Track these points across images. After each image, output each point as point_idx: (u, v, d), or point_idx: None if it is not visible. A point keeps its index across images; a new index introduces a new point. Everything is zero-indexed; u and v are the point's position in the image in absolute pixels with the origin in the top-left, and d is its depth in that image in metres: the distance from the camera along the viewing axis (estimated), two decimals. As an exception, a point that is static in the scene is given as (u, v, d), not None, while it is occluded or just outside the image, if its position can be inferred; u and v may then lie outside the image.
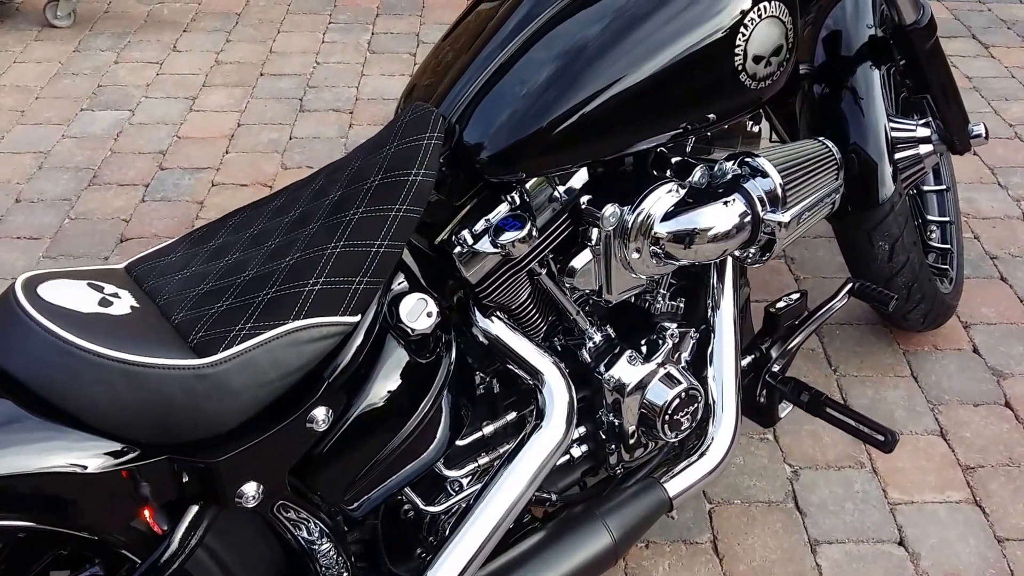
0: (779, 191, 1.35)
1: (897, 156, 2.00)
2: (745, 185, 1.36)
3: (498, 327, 1.34)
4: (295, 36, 3.45)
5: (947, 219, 2.28)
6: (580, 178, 1.34)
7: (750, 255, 1.42)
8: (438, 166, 1.24)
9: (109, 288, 1.11)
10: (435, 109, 1.27)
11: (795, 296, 1.70)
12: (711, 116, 1.36)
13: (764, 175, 1.35)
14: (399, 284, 1.25)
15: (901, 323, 2.09)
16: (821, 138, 1.47)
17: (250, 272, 1.15)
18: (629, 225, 1.32)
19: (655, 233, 1.34)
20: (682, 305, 1.55)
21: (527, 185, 1.30)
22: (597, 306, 1.47)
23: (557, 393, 1.34)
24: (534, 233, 1.26)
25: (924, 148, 2.01)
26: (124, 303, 1.09)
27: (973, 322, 2.23)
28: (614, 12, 1.29)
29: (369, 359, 1.18)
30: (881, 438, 1.55)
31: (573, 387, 1.36)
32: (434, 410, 1.24)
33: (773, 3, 1.34)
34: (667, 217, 1.34)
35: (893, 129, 2.00)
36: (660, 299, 1.52)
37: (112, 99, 3.10)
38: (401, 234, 1.19)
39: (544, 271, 1.36)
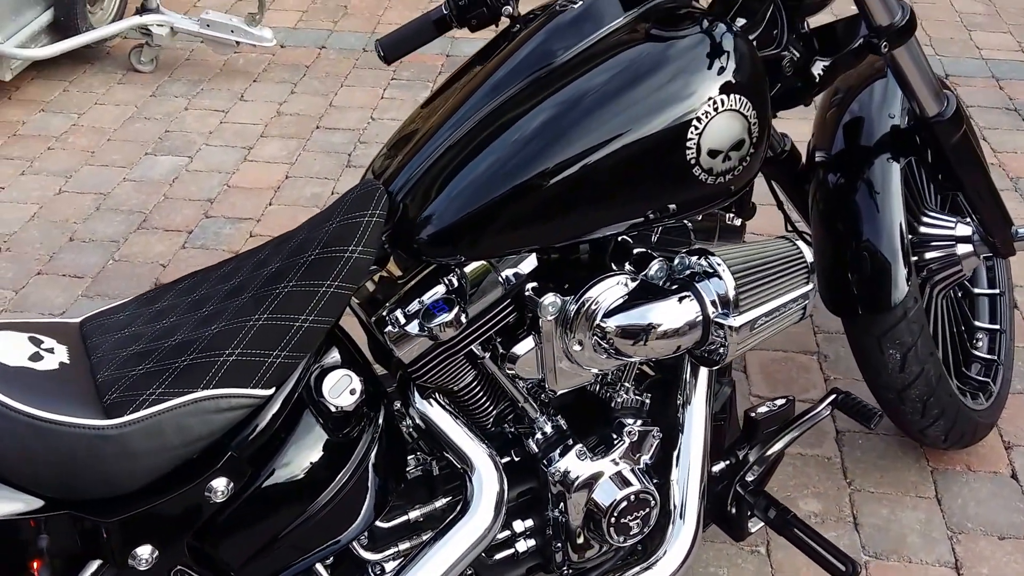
0: (731, 294, 1.27)
1: (930, 255, 1.87)
2: (698, 284, 1.28)
3: (432, 409, 1.32)
4: (356, 90, 3.51)
5: (997, 327, 2.10)
6: (528, 263, 1.30)
7: (706, 356, 1.33)
8: (379, 244, 1.24)
9: (48, 343, 1.17)
10: (381, 186, 1.28)
11: (780, 402, 1.59)
12: (665, 210, 1.30)
13: (718, 276, 1.27)
14: (331, 358, 1.25)
15: (921, 439, 1.92)
16: (795, 238, 1.37)
17: (178, 337, 1.17)
18: (571, 316, 1.27)
19: (599, 326, 1.28)
20: (648, 400, 1.47)
21: (468, 268, 1.27)
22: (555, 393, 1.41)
23: (486, 483, 1.30)
24: (463, 319, 1.24)
25: (963, 248, 1.87)
26: (55, 358, 1.15)
27: (1017, 443, 2.04)
28: (565, 99, 1.26)
29: (282, 432, 1.18)
30: (841, 568, 1.44)
31: (505, 479, 1.32)
32: (349, 489, 1.22)
33: (732, 97, 1.26)
34: (613, 311, 1.28)
35: (929, 225, 1.87)
36: (623, 392, 1.45)
37: (175, 145, 3.21)
38: (330, 310, 1.19)
39: (488, 355, 1.32)
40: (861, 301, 1.70)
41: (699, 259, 1.29)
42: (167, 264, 2.64)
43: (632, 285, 1.30)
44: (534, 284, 1.29)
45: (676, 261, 1.32)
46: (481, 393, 1.36)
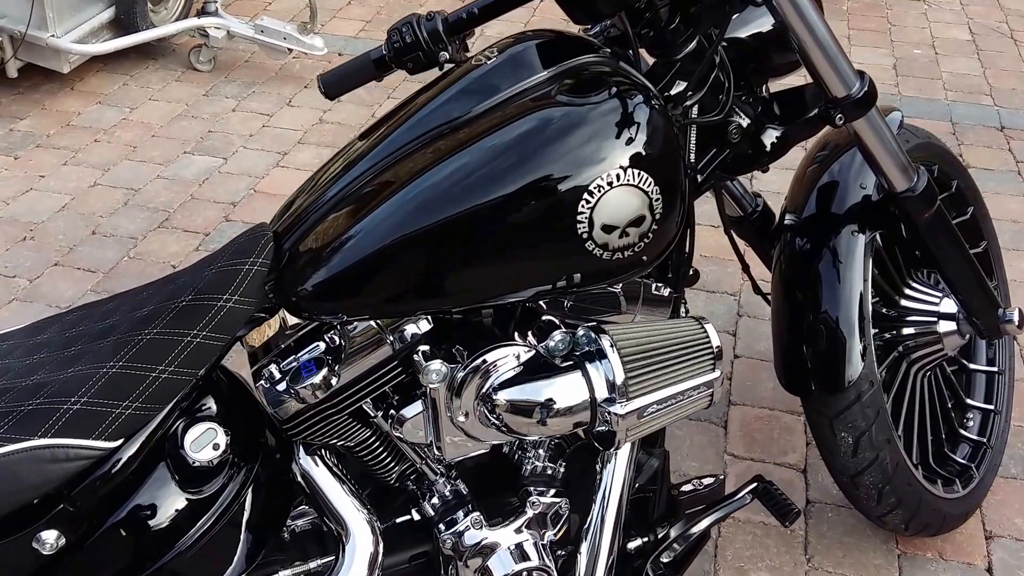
0: (619, 378, 1.21)
1: (908, 331, 1.76)
2: (589, 364, 1.23)
3: (314, 466, 1.30)
4: (398, 103, 3.54)
5: (992, 408, 1.96)
6: (420, 326, 1.26)
7: (599, 437, 1.27)
8: (260, 294, 1.20)
9: None
10: (269, 232, 1.24)
11: (708, 480, 1.52)
12: (567, 280, 1.24)
13: (606, 357, 1.21)
14: (205, 409, 1.22)
15: (881, 525, 1.80)
16: (705, 321, 1.30)
17: (38, 376, 1.14)
18: (457, 385, 1.23)
19: (485, 398, 1.23)
20: (562, 469, 1.42)
21: (353, 327, 1.24)
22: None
23: (359, 550, 1.27)
24: (332, 382, 1.21)
25: (945, 325, 1.75)
26: None
27: (999, 533, 1.90)
28: (455, 160, 1.20)
29: (130, 484, 1.15)
30: None
31: (382, 545, 1.28)
32: (203, 545, 1.18)
33: (631, 172, 1.19)
34: (499, 383, 1.23)
35: (911, 298, 1.76)
36: (534, 459, 1.40)
37: (214, 146, 3.30)
38: (193, 362, 1.15)
39: (380, 414, 1.30)
40: (815, 378, 1.61)
41: (592, 336, 1.24)
42: (177, 264, 2.71)
43: (525, 357, 1.25)
44: (426, 347, 1.25)
45: (575, 335, 1.26)
46: (381, 450, 1.33)
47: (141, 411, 1.12)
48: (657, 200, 1.22)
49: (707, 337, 1.27)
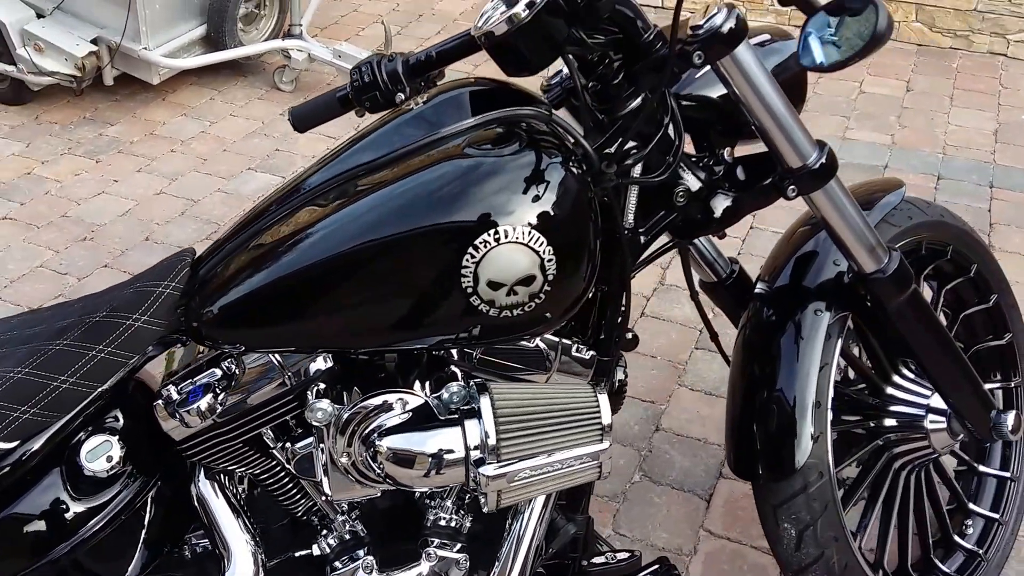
0: (491, 440, 1.16)
1: (890, 422, 1.63)
2: (467, 421, 1.19)
3: (208, 490, 1.31)
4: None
5: (997, 516, 1.79)
6: (319, 362, 1.26)
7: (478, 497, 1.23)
8: (171, 317, 1.24)
9: None
10: (188, 258, 1.28)
11: (623, 555, 1.46)
12: (449, 336, 1.21)
13: (481, 417, 1.17)
14: (108, 422, 1.26)
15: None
16: (601, 390, 1.23)
17: None
18: (342, 426, 1.22)
19: (365, 443, 1.22)
20: (468, 523, 1.38)
21: (252, 358, 1.25)
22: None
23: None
24: (216, 409, 1.23)
25: (934, 421, 1.61)
26: None
27: (987, 659, 1.71)
28: (357, 205, 1.20)
29: (20, 486, 1.20)
30: None
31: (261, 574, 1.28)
32: (86, 551, 1.23)
33: (520, 230, 1.15)
34: (378, 430, 1.21)
35: (899, 387, 1.63)
36: (440, 509, 1.37)
37: (276, 164, 3.42)
38: (95, 376, 1.20)
39: (279, 445, 1.30)
40: (762, 461, 1.50)
41: (473, 393, 1.20)
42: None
43: (412, 406, 1.22)
44: (321, 385, 1.25)
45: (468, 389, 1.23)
46: (287, 481, 1.33)
47: (39, 417, 1.17)
48: (550, 260, 1.17)
49: (597, 407, 1.21)
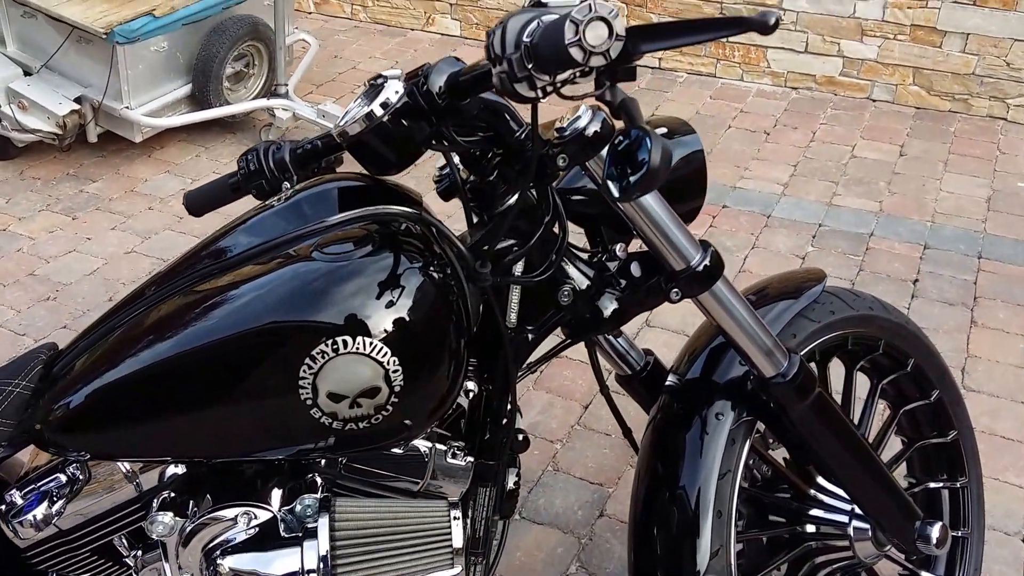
0: (325, 561, 1.10)
1: (811, 527, 1.54)
2: (306, 541, 1.12)
3: None
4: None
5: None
6: (169, 471, 1.21)
7: None
8: (21, 417, 1.19)
9: None
10: (43, 355, 1.24)
11: None
12: (297, 448, 1.15)
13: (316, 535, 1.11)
14: None
15: None
16: (458, 513, 1.16)
17: None
18: (184, 539, 1.16)
19: (208, 559, 1.16)
20: None
21: (99, 465, 1.20)
22: None
23: None
24: (51, 519, 1.17)
25: (858, 528, 1.52)
26: None
27: None
28: (198, 308, 1.15)
29: None
30: None
31: None
32: None
33: (361, 340, 1.09)
34: (218, 546, 1.15)
35: (824, 491, 1.55)
36: None
37: (251, 223, 3.41)
38: None
39: (135, 553, 1.25)
40: (661, 567, 1.42)
41: (315, 509, 1.14)
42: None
43: (258, 521, 1.16)
44: (170, 494, 1.19)
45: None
46: None
47: None
48: (396, 372, 1.11)
49: (448, 529, 1.14)
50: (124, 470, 1.19)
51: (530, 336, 1.33)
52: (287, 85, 3.79)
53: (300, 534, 1.14)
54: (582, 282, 1.31)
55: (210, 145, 3.97)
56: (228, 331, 1.11)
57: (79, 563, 1.23)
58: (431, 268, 1.16)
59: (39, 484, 1.20)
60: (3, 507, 1.21)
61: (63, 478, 1.20)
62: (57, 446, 1.19)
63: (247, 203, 1.36)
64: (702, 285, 1.26)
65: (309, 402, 1.10)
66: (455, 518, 1.15)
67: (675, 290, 1.26)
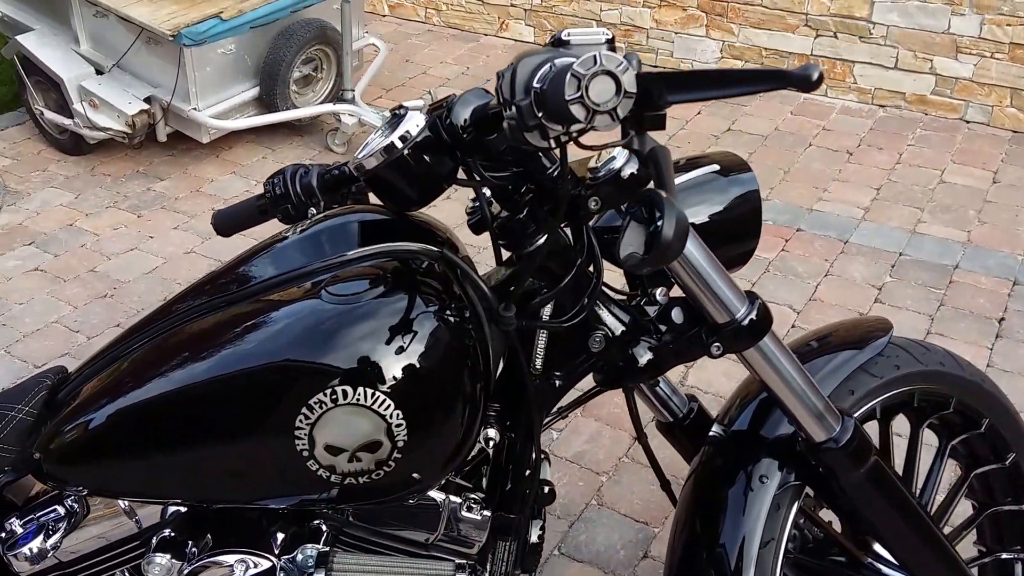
0: None
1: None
2: None
3: None
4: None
5: None
6: (171, 509, 1.15)
7: None
8: (23, 443, 1.15)
9: None
10: (48, 380, 1.20)
11: None
12: (296, 498, 1.08)
13: None
14: None
15: None
16: (467, 569, 1.07)
17: None
18: None
19: None
20: None
21: (97, 499, 1.15)
22: None
23: None
24: (47, 554, 1.13)
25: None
26: None
27: None
28: (201, 345, 1.09)
29: None
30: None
31: None
32: None
33: (362, 390, 1.01)
34: None
35: (882, 560, 1.41)
36: None
37: (310, 228, 3.38)
38: None
39: None
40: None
41: (312, 563, 1.06)
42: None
43: (255, 570, 1.10)
44: (170, 533, 1.14)
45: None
46: None
47: None
48: (399, 426, 1.03)
49: None
50: (123, 506, 1.14)
51: (557, 383, 1.23)
52: (354, 90, 3.77)
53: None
54: (616, 328, 1.21)
55: (277, 147, 3.97)
56: (224, 370, 1.05)
57: None
58: (447, 312, 1.07)
59: (38, 515, 1.16)
60: (3, 534, 1.17)
61: (61, 510, 1.16)
62: (54, 479, 1.14)
63: (275, 225, 1.30)
64: (747, 341, 1.14)
65: (306, 453, 1.03)
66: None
67: (716, 344, 1.15)
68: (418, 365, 1.03)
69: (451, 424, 1.07)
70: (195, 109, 3.54)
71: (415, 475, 1.07)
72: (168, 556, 1.11)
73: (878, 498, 1.25)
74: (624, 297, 1.26)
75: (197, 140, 3.76)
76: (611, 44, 0.96)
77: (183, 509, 1.15)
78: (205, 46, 3.38)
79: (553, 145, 0.94)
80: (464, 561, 1.12)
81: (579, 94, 0.86)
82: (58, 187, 3.68)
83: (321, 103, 3.91)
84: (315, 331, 1.03)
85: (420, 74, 4.67)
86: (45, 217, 3.51)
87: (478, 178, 1.09)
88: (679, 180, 1.28)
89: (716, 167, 1.29)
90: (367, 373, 1.01)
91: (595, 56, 0.86)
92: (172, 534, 1.14)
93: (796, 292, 2.98)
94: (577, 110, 0.87)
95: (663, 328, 1.21)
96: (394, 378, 1.02)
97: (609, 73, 0.86)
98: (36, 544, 1.13)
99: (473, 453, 1.31)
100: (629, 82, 0.88)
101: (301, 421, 1.01)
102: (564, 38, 0.95)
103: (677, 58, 4.56)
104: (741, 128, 4.04)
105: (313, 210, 1.27)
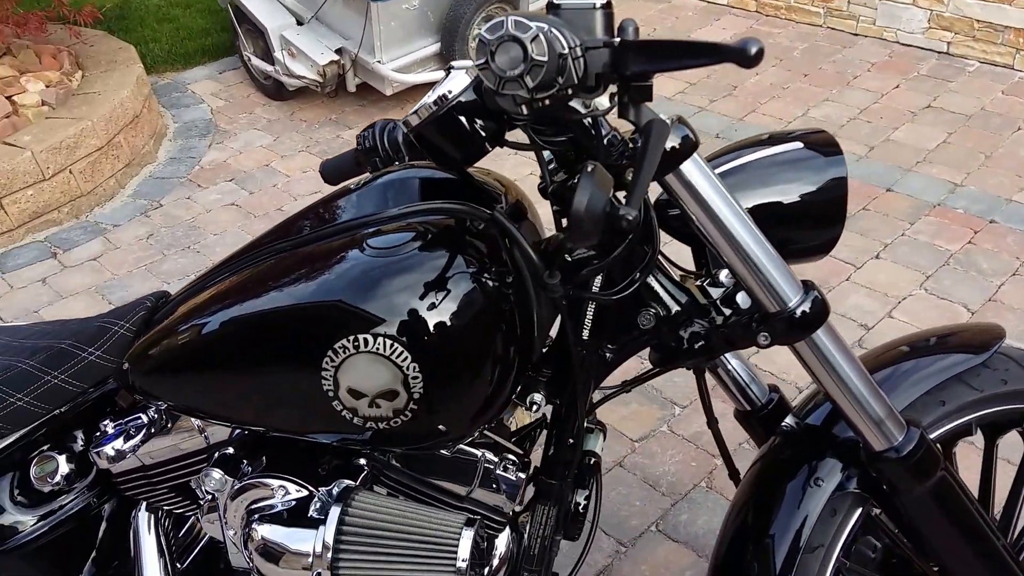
0: (329, 550, 1.08)
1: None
2: (322, 527, 1.12)
3: (140, 522, 1.36)
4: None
5: None
6: (237, 430, 1.26)
7: None
8: (122, 355, 1.29)
9: None
10: (150, 302, 1.33)
11: None
12: (329, 436, 1.15)
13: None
14: (68, 443, 1.35)
15: None
16: (472, 522, 1.10)
17: None
18: (229, 498, 1.21)
19: (241, 522, 1.20)
20: None
21: (178, 414, 1.28)
22: None
23: None
24: (125, 453, 1.27)
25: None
26: None
27: None
28: (256, 283, 1.17)
29: None
30: None
31: None
32: (17, 557, 1.33)
33: (381, 340, 1.05)
34: (254, 513, 1.18)
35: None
36: None
37: (474, 183, 3.47)
38: (48, 399, 1.29)
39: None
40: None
41: (332, 496, 1.13)
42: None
43: (293, 495, 1.18)
44: (231, 451, 1.25)
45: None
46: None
47: None
48: (416, 379, 1.06)
49: (455, 544, 1.08)
50: (195, 423, 1.26)
51: (608, 355, 1.22)
52: (533, 48, 3.79)
53: (323, 517, 1.14)
54: (670, 306, 1.18)
55: (458, 102, 4.08)
56: (272, 305, 1.13)
57: (161, 496, 1.32)
58: (486, 274, 1.09)
59: (125, 421, 1.30)
60: (97, 434, 1.32)
61: (144, 419, 1.29)
62: (138, 390, 1.27)
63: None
64: (797, 333, 1.08)
65: (331, 394, 1.09)
66: (467, 533, 1.09)
67: (764, 333, 1.09)
68: (444, 323, 1.06)
69: (479, 383, 1.09)
70: (379, 62, 3.71)
71: (440, 427, 1.11)
72: (221, 472, 1.21)
73: (941, 518, 1.16)
74: (688, 277, 1.22)
75: (381, 92, 3.94)
76: (607, 10, 0.93)
77: (239, 434, 1.25)
78: (391, 1, 3.52)
79: (525, 111, 0.93)
80: (478, 516, 1.14)
81: (484, 60, 0.84)
82: (260, 129, 3.98)
83: (502, 61, 3.97)
84: (347, 279, 1.08)
85: (609, 35, 4.62)
86: (246, 156, 3.82)
87: (530, 142, 1.09)
88: (759, 155, 1.22)
89: (800, 144, 1.22)
90: (388, 325, 1.05)
91: (503, 21, 0.84)
92: (231, 452, 1.24)
93: (975, 290, 2.74)
94: (487, 76, 0.85)
95: (727, 312, 1.17)
96: (415, 333, 1.06)
97: (515, 40, 0.84)
98: (117, 444, 1.26)
99: (531, 420, 1.33)
100: (539, 50, 0.85)
101: (327, 363, 1.08)
102: (556, 2, 0.93)
103: (880, 26, 4.24)
104: (942, 105, 3.72)
105: (397, 164, 1.31)
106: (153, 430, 1.27)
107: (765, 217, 1.17)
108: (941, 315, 2.65)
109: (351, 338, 1.06)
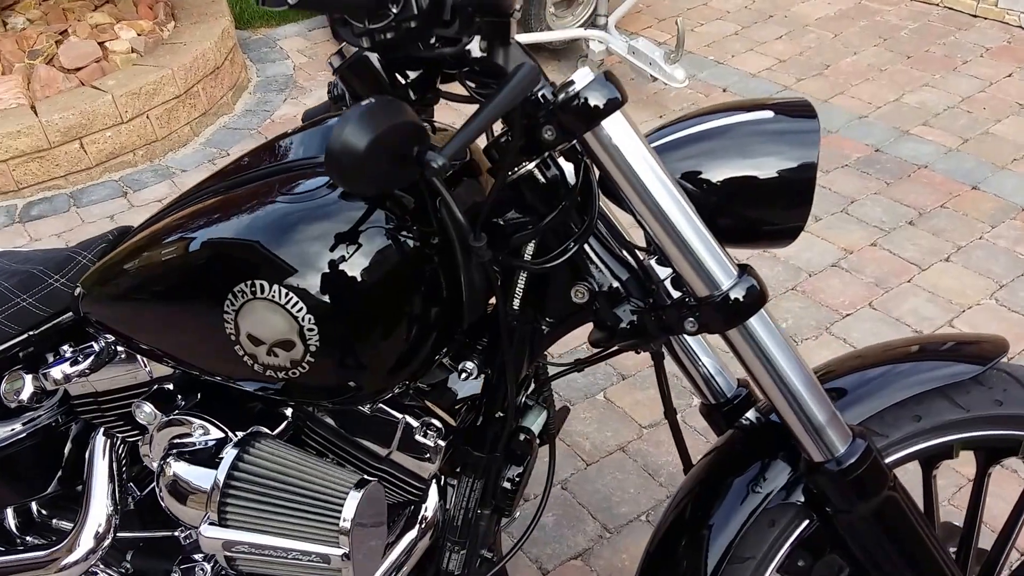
0: (215, 495, 1.06)
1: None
2: (218, 471, 1.09)
3: (96, 446, 1.37)
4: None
5: None
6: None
7: None
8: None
9: None
10: (111, 235, 1.35)
11: None
12: (243, 383, 1.13)
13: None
14: (41, 363, 1.37)
15: None
16: (361, 487, 1.05)
17: None
18: (156, 430, 1.21)
19: (164, 458, 1.18)
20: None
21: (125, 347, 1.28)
22: None
23: (88, 524, 1.31)
24: (71, 379, 1.26)
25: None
26: None
27: None
28: (181, 224, 1.15)
29: None
30: None
31: (113, 529, 1.33)
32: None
33: (277, 288, 1.01)
34: (175, 447, 1.17)
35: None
36: None
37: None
38: (16, 320, 1.31)
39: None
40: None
41: (226, 443, 1.10)
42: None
43: (210, 436, 1.16)
44: (170, 386, 1.24)
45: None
46: None
47: None
48: (311, 331, 1.02)
49: (340, 503, 1.04)
50: (139, 357, 1.25)
51: (545, 328, 1.15)
52: (606, 16, 3.67)
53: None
54: (606, 283, 1.09)
55: (533, 69, 3.99)
56: (191, 247, 1.11)
57: (113, 423, 1.34)
58: (405, 231, 1.03)
59: (82, 347, 1.30)
60: (51, 358, 1.33)
61: (96, 347, 1.29)
62: (87, 321, 1.27)
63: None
64: (726, 321, 0.98)
65: (233, 338, 1.06)
66: (354, 494, 1.04)
67: (690, 319, 0.99)
68: (347, 277, 1.01)
69: (390, 342, 1.04)
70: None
71: (350, 383, 1.06)
72: (151, 406, 1.21)
73: (885, 544, 1.03)
74: (635, 253, 1.13)
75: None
76: None
77: (176, 372, 1.23)
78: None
79: (366, 44, 0.87)
80: (375, 479, 1.09)
81: None
82: (332, 86, 4.00)
83: (577, 28, 3.86)
84: (257, 224, 1.05)
85: (700, 5, 4.44)
86: (315, 112, 3.84)
87: (468, 93, 1.02)
88: (733, 119, 1.11)
89: (770, 113, 1.10)
90: (285, 273, 1.02)
91: None
92: (169, 388, 1.23)
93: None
94: None
95: (675, 294, 1.07)
96: (314, 285, 1.02)
97: None
98: (64, 369, 1.27)
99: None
100: None
101: (228, 306, 1.05)
102: None
103: (1002, 7, 3.93)
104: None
105: None
106: (104, 357, 1.27)
107: (733, 192, 1.08)
108: (1009, 329, 2.43)
109: (248, 283, 1.03)
